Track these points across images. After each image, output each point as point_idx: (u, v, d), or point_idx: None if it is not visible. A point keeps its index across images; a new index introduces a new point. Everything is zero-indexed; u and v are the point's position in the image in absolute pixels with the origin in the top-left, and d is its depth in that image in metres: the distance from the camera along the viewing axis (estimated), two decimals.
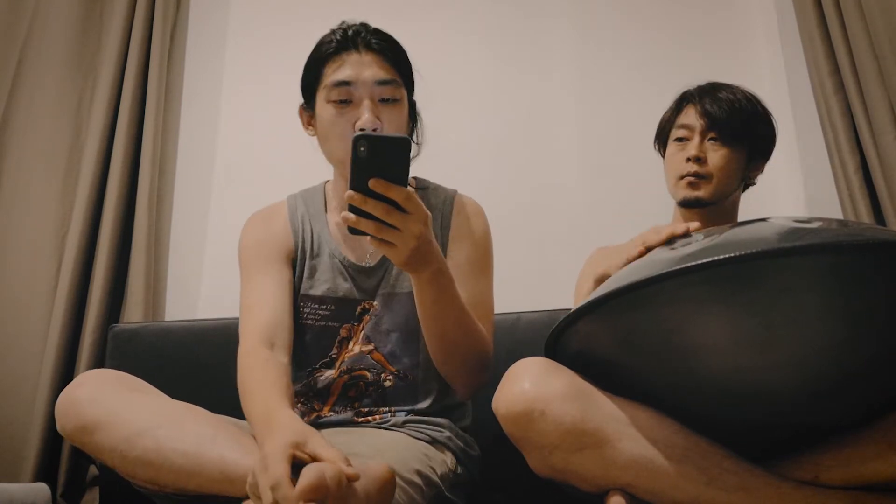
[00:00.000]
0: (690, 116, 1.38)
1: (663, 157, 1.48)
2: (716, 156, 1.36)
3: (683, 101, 1.42)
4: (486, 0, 2.07)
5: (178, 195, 2.02)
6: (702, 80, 1.97)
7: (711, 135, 1.36)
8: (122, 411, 0.92)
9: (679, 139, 1.39)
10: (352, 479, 0.78)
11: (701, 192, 1.35)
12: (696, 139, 1.36)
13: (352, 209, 0.88)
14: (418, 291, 1.03)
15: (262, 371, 1.03)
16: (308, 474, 0.75)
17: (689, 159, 1.35)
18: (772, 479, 0.86)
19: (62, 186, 1.91)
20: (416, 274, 1.00)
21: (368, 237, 0.91)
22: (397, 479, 0.92)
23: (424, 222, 0.92)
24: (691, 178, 1.35)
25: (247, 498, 0.83)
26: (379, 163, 0.86)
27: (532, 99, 2.00)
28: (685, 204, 1.38)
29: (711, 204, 1.38)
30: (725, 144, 1.36)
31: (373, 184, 0.86)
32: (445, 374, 1.15)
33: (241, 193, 2.00)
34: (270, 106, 2.06)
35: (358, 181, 0.86)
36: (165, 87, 2.00)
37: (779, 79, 1.92)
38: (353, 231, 0.90)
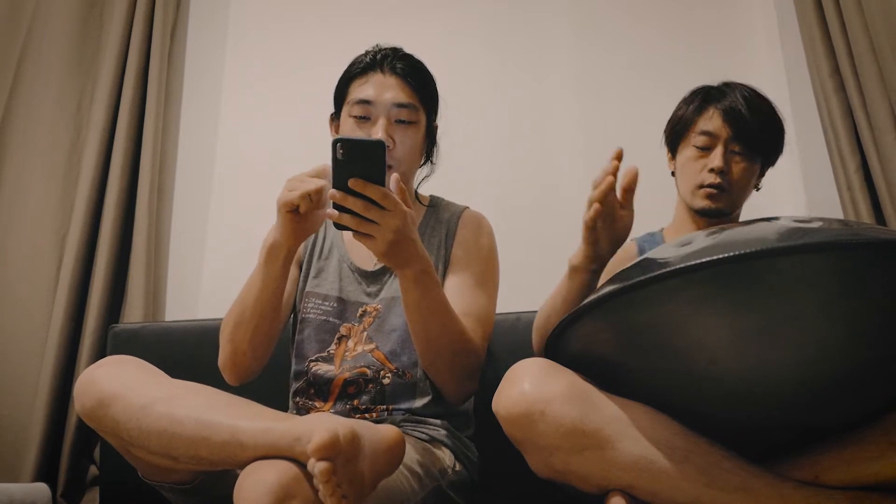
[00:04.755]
0: (715, 123, 1.33)
1: (672, 155, 1.45)
2: (737, 168, 1.33)
3: (706, 101, 1.37)
4: (487, 0, 2.07)
5: (178, 195, 2.02)
6: (702, 79, 1.97)
7: (735, 147, 1.33)
8: (137, 385, 0.94)
9: (699, 147, 1.35)
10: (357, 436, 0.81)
11: (721, 204, 1.33)
12: (720, 149, 1.32)
13: (335, 206, 0.95)
14: (403, 291, 1.07)
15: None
16: (321, 432, 0.78)
17: (712, 170, 1.32)
18: (772, 480, 0.86)
19: (62, 186, 1.91)
20: (401, 271, 1.04)
21: (352, 232, 0.97)
22: (400, 467, 0.94)
23: (402, 219, 0.96)
24: (712, 191, 1.32)
25: (253, 460, 0.85)
26: (357, 164, 0.93)
27: (533, 99, 2.00)
28: (703, 213, 1.36)
29: (726, 216, 1.37)
30: (746, 159, 1.34)
31: (352, 183, 0.92)
32: (433, 377, 1.18)
33: (241, 193, 2.01)
34: (270, 106, 2.06)
35: (339, 181, 0.93)
36: (165, 88, 2.00)
37: (779, 79, 1.92)
38: (338, 226, 0.96)
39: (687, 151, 1.38)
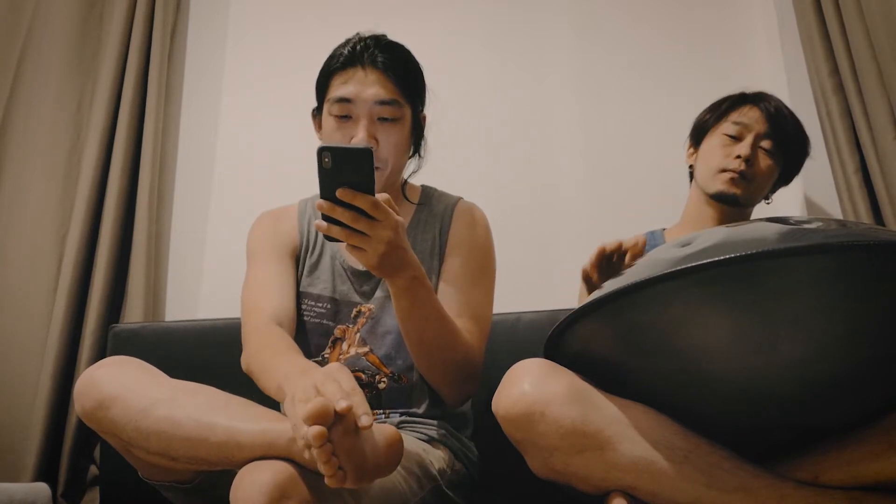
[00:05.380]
0: (751, 116, 1.38)
1: (695, 148, 1.48)
2: (763, 163, 1.37)
3: (744, 99, 1.42)
4: (487, 0, 2.07)
5: (178, 195, 2.02)
6: (702, 79, 1.98)
7: (766, 143, 1.37)
8: (137, 386, 0.94)
9: (730, 135, 1.39)
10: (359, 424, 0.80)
11: (739, 191, 1.37)
12: (750, 139, 1.37)
13: (324, 217, 0.92)
14: (395, 298, 1.05)
15: (282, 339, 1.07)
16: (314, 401, 0.77)
17: (738, 156, 1.36)
18: (772, 480, 0.86)
19: (62, 186, 1.91)
20: (391, 280, 1.02)
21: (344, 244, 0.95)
22: (398, 468, 0.93)
23: (394, 228, 0.94)
24: (734, 175, 1.36)
25: (251, 461, 0.84)
26: (344, 172, 0.89)
27: (532, 98, 2.00)
28: (719, 197, 1.39)
29: (741, 206, 1.39)
30: (772, 157, 1.37)
31: (340, 193, 0.89)
32: (430, 381, 1.16)
33: (241, 193, 2.01)
34: (270, 106, 2.06)
35: (326, 190, 0.90)
36: (165, 87, 2.00)
37: (779, 79, 1.92)
38: (329, 238, 0.94)
39: (714, 139, 1.41)
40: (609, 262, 1.15)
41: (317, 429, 0.75)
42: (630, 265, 1.04)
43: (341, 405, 0.77)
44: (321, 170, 0.89)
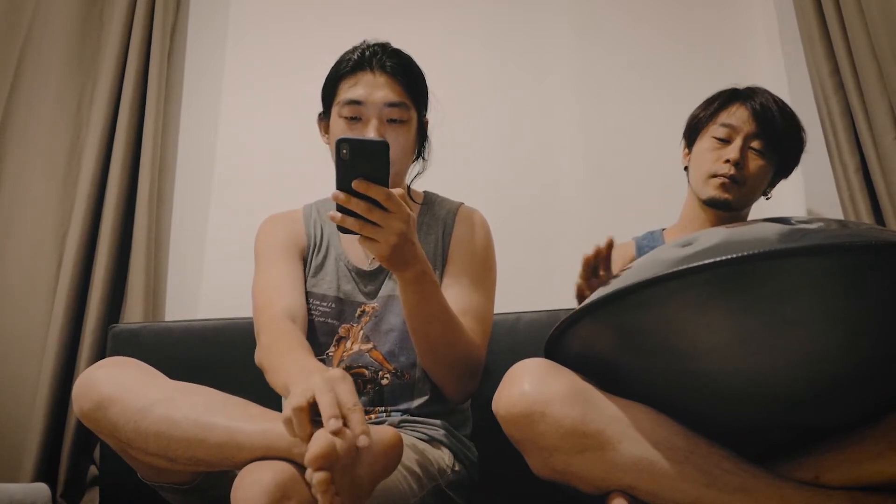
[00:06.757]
0: (739, 118, 1.35)
1: (689, 150, 1.46)
2: (753, 164, 1.35)
3: (733, 98, 1.39)
4: (487, 0, 2.07)
5: (178, 195, 2.02)
6: (701, 79, 1.98)
7: (756, 143, 1.34)
8: (136, 387, 0.94)
9: (719, 138, 1.36)
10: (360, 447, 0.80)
11: (731, 196, 1.35)
12: (739, 142, 1.34)
13: (339, 208, 0.94)
14: (403, 292, 1.08)
15: (293, 335, 1.08)
16: (319, 441, 0.77)
17: (727, 161, 1.34)
18: (772, 480, 0.86)
19: (62, 186, 1.91)
20: (400, 273, 1.04)
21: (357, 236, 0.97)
22: (399, 467, 0.94)
23: (406, 221, 0.96)
24: (725, 180, 1.34)
25: (251, 462, 0.84)
26: (360, 164, 0.92)
27: (532, 99, 2.00)
28: (712, 203, 1.37)
29: (734, 210, 1.37)
30: (764, 157, 1.35)
31: (355, 184, 0.92)
32: (433, 377, 1.18)
33: (241, 193, 2.01)
34: (270, 106, 2.06)
35: (342, 181, 0.93)
36: (165, 88, 1.99)
37: (779, 79, 1.92)
38: (342, 229, 0.96)
39: (704, 143, 1.39)
40: (596, 273, 1.16)
41: (321, 475, 0.76)
42: (618, 274, 1.04)
43: (332, 426, 0.77)
44: (338, 161, 0.92)
